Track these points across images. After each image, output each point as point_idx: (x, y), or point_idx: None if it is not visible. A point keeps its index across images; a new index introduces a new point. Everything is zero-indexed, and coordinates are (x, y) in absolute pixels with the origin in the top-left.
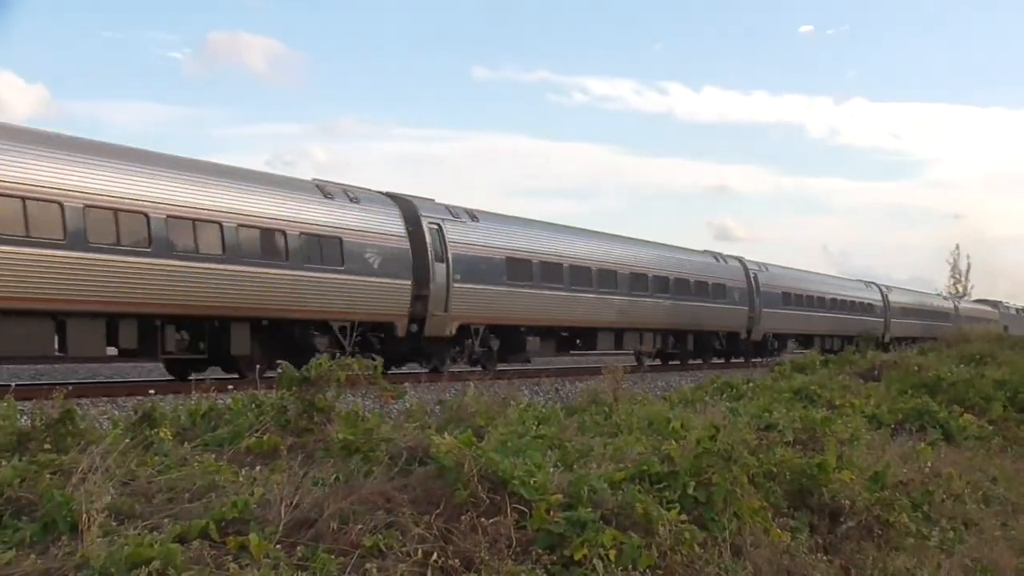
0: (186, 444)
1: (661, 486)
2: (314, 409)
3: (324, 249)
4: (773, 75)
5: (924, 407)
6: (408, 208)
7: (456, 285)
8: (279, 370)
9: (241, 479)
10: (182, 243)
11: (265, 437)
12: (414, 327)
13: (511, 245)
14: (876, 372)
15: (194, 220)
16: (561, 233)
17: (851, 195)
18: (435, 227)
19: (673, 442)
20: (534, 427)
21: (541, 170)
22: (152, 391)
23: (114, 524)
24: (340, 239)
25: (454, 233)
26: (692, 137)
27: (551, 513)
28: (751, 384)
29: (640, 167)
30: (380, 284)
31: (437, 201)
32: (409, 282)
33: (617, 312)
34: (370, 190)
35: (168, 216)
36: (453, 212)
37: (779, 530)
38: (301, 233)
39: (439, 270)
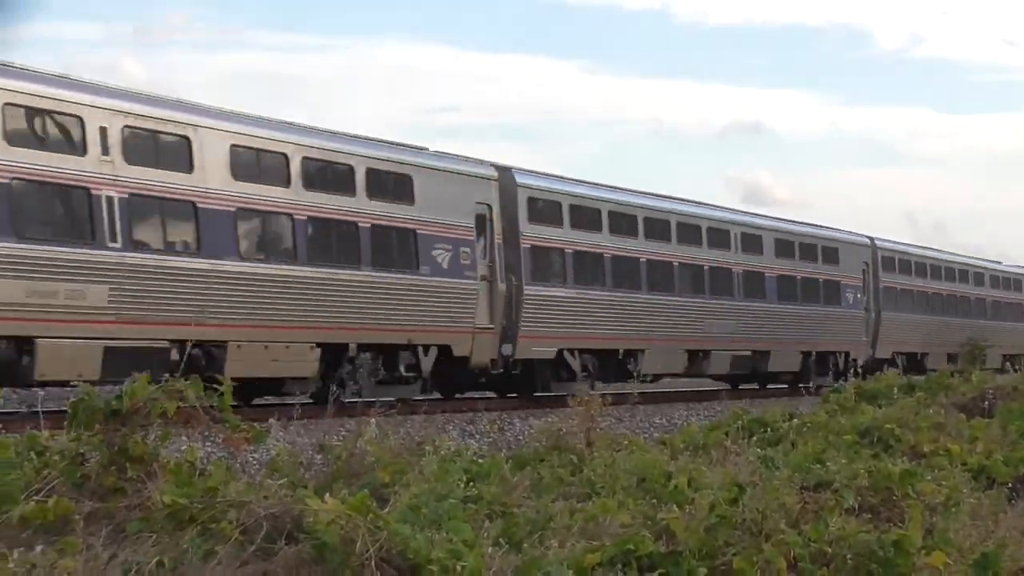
0: None
1: (655, 574)
2: (127, 459)
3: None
4: None
5: None
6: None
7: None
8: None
9: (12, 566)
10: None
11: (51, 501)
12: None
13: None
14: (986, 403)
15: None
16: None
17: (946, 137)
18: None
19: (675, 508)
20: (461, 485)
21: (469, 97)
22: None
23: None
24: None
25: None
26: (704, 49)
27: None
28: (794, 421)
29: (624, 95)
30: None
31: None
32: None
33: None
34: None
35: None
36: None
37: None
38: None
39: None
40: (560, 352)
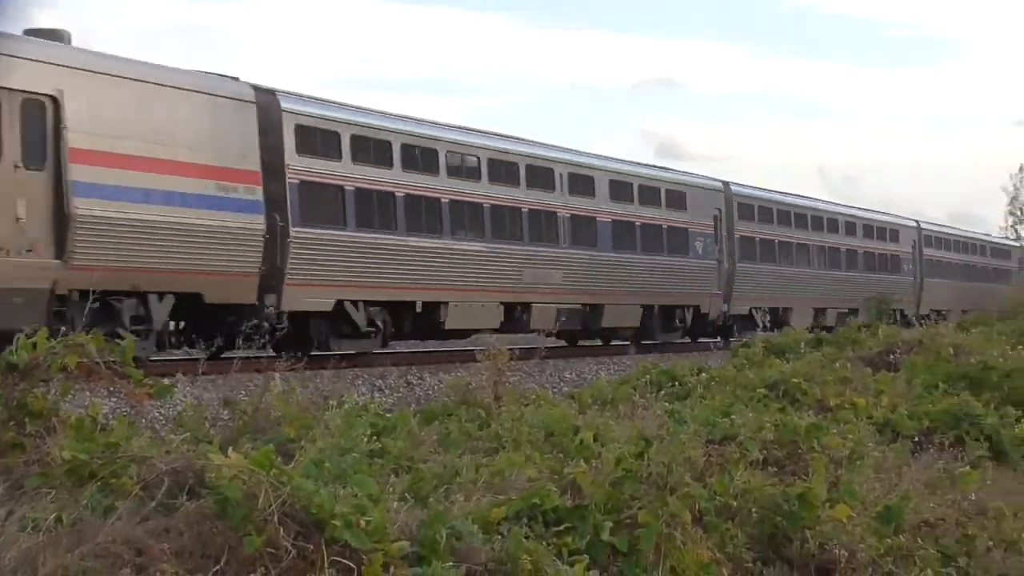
0: None
1: (561, 528)
2: (26, 414)
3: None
4: None
5: (963, 409)
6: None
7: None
8: None
9: None
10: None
11: None
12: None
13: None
14: (892, 357)
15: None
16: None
17: (859, 91)
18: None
19: (582, 462)
20: (365, 439)
21: (390, 51)
22: None
23: None
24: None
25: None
26: (619, 1)
27: (392, 570)
28: (703, 376)
29: (542, 48)
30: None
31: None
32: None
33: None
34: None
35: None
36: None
37: None
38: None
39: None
40: (750, 310)
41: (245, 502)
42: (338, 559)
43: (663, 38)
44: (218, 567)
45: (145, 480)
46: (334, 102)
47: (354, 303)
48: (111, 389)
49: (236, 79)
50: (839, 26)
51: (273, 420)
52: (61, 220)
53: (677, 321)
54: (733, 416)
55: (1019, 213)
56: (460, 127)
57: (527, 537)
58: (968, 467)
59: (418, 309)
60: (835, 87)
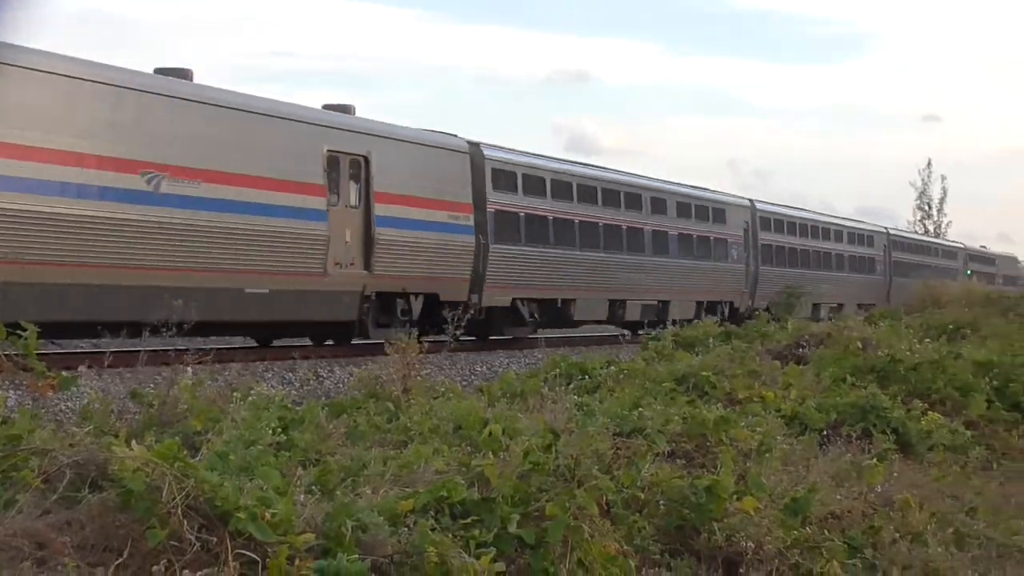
0: None
1: (469, 520)
2: None
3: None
4: None
5: (870, 402)
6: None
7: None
8: None
9: None
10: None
11: None
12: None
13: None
14: (801, 351)
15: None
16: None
17: (769, 87)
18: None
19: (490, 455)
20: (272, 431)
21: (296, 44)
22: None
23: None
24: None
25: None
26: None
27: (297, 563)
28: (612, 368)
29: (452, 42)
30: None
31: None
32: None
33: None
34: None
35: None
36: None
37: None
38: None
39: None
40: (767, 304)
41: (148, 495)
42: (243, 552)
43: (576, 33)
44: (121, 560)
45: (47, 473)
46: (510, 148)
47: (521, 300)
48: (14, 381)
49: (455, 135)
50: (753, 22)
51: (180, 413)
52: (368, 242)
53: (718, 313)
54: (642, 409)
55: (927, 208)
56: (583, 163)
57: (434, 529)
58: (875, 459)
59: (559, 305)
60: (748, 83)
